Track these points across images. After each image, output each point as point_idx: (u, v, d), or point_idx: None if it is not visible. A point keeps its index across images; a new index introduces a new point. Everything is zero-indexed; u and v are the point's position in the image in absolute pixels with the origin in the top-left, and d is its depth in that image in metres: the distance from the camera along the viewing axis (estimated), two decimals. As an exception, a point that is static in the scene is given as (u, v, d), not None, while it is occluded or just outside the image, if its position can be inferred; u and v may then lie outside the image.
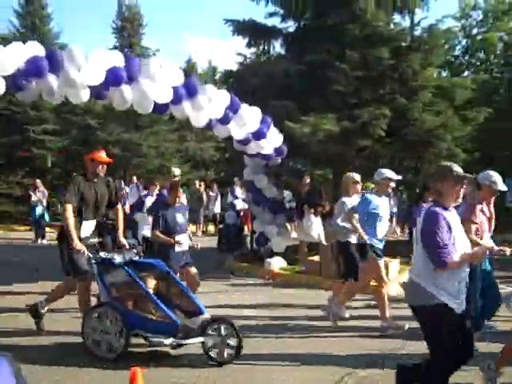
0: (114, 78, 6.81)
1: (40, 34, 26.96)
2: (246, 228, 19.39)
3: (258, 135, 9.10)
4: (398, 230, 18.14)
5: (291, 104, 10.96)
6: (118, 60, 6.92)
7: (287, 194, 12.41)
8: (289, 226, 16.10)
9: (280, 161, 10.11)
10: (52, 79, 6.37)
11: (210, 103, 8.00)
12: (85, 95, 6.80)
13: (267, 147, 9.44)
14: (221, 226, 14.31)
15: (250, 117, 8.78)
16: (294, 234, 16.79)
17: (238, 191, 18.84)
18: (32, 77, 6.28)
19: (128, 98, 7.09)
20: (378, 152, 10.74)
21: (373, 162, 11.06)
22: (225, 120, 8.45)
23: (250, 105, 9.18)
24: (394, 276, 9.36)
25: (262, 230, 10.62)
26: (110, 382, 4.49)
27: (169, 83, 7.44)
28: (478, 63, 25.06)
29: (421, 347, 4.21)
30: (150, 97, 7.27)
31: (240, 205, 18.89)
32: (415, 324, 3.84)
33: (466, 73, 23.57)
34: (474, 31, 25.33)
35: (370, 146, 10.75)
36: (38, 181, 16.57)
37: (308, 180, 10.88)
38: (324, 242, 9.77)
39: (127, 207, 18.21)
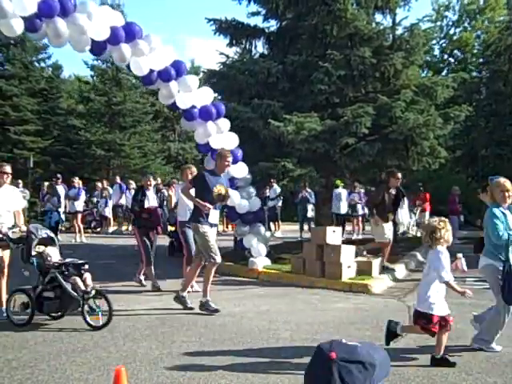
0: (46, 9, 6.72)
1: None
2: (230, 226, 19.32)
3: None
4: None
5: (275, 103, 10.97)
6: None
7: (277, 189, 12.39)
8: (272, 226, 16.11)
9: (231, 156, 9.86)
10: None
11: (152, 53, 7.90)
12: (18, 26, 6.68)
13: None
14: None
15: (195, 83, 8.63)
16: (278, 234, 16.81)
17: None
18: None
19: (62, 31, 6.97)
20: (361, 150, 10.80)
21: (356, 160, 11.11)
22: (166, 77, 8.27)
23: (234, 104, 9.16)
24: (377, 273, 9.42)
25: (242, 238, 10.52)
26: (94, 382, 4.44)
27: (107, 23, 7.38)
28: (456, 62, 25.42)
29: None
30: (86, 32, 7.14)
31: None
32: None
33: (444, 72, 23.85)
34: (451, 31, 25.74)
35: (353, 144, 10.81)
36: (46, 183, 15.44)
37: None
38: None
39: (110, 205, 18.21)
